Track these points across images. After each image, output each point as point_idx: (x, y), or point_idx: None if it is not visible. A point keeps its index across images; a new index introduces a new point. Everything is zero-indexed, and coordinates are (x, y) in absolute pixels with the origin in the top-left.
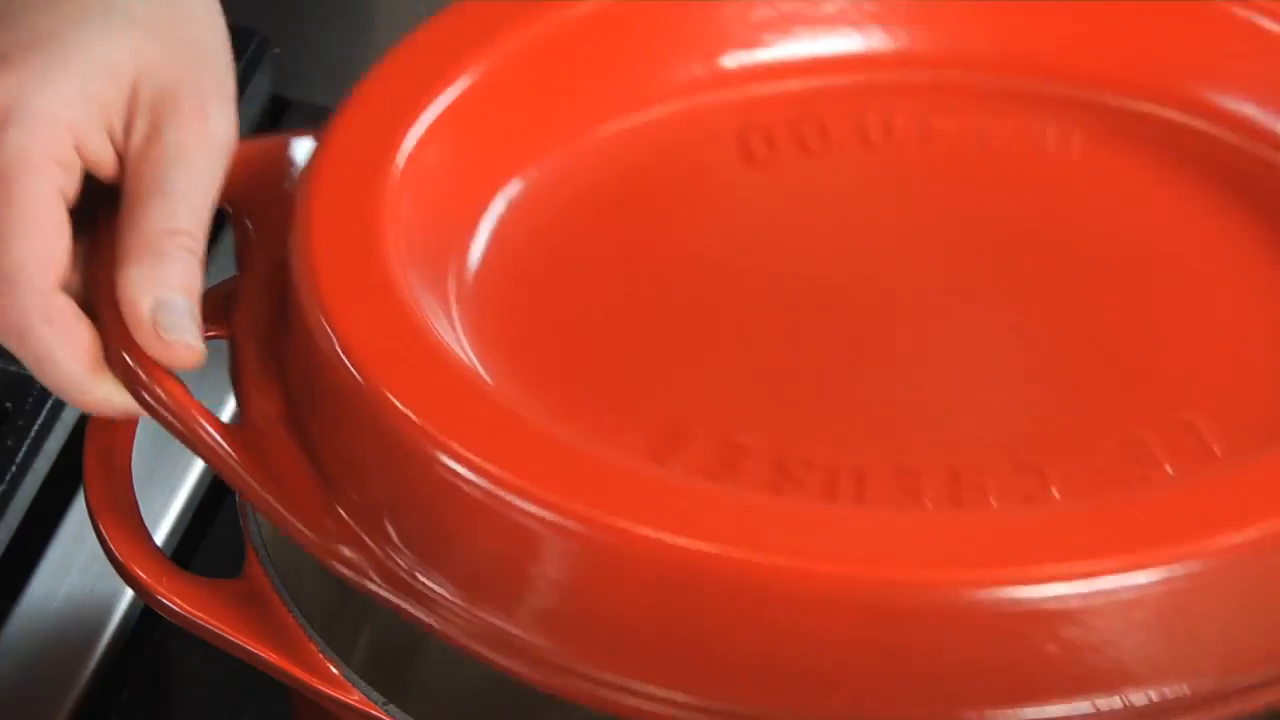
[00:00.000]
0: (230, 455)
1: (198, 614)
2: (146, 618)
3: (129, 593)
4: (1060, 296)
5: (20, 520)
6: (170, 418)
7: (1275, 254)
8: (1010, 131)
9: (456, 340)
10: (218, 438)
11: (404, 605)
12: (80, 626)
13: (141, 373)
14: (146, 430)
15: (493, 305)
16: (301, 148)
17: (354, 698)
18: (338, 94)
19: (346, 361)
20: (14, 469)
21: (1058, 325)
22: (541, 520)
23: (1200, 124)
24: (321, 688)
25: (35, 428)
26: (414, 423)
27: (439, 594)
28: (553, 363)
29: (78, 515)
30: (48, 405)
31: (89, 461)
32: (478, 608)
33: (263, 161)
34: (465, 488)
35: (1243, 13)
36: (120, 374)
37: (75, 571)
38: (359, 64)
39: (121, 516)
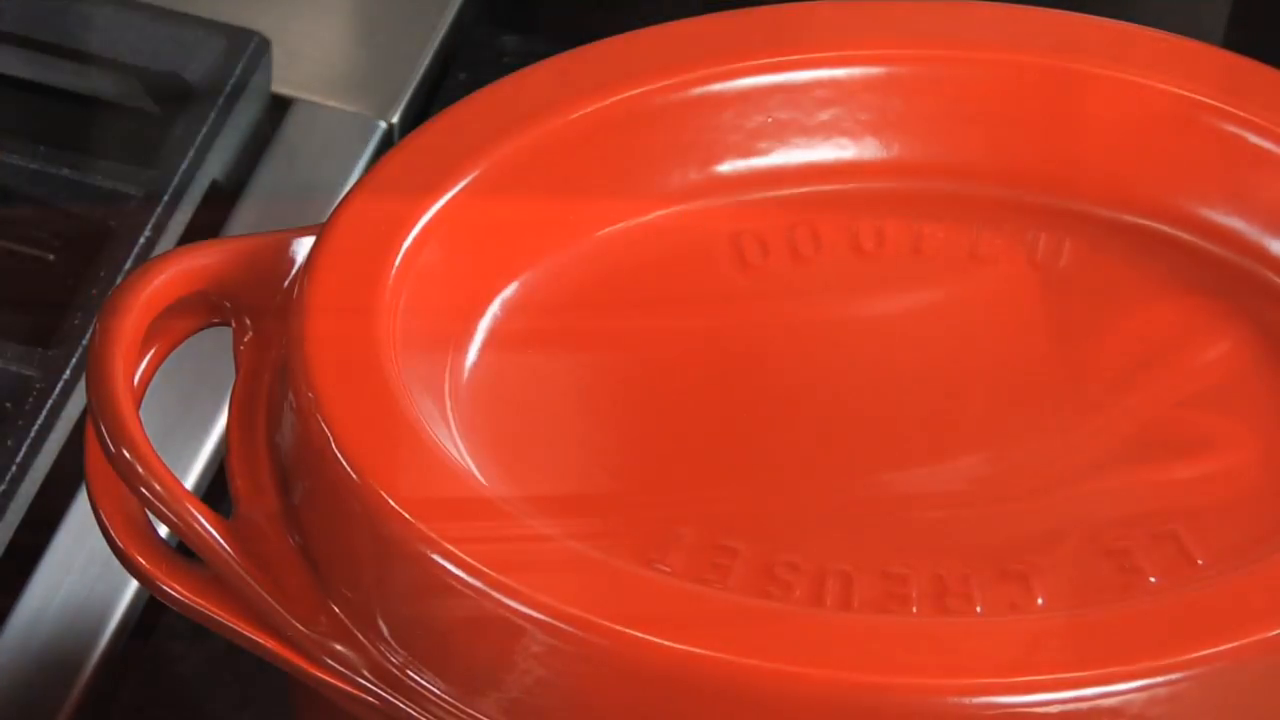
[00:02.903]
0: (225, 549)
1: (199, 601)
2: (146, 618)
3: (129, 593)
4: (1047, 407)
5: (20, 520)
6: (165, 511)
7: (1258, 366)
8: (1001, 241)
9: (451, 440)
10: (212, 532)
11: (396, 702)
12: (80, 626)
13: (139, 467)
14: (150, 417)
15: (488, 405)
16: (300, 245)
17: (358, 686)
18: (338, 93)
19: (341, 459)
20: (14, 469)
21: (1045, 435)
22: (533, 620)
23: (1189, 237)
24: (324, 676)
25: (35, 428)
26: (407, 521)
27: (431, 691)
28: (546, 463)
29: (78, 515)
30: (48, 405)
31: (90, 447)
32: (470, 705)
33: (261, 258)
34: (458, 586)
35: (1231, 128)
36: (117, 468)
37: (75, 571)
38: (359, 63)
39: (122, 503)
